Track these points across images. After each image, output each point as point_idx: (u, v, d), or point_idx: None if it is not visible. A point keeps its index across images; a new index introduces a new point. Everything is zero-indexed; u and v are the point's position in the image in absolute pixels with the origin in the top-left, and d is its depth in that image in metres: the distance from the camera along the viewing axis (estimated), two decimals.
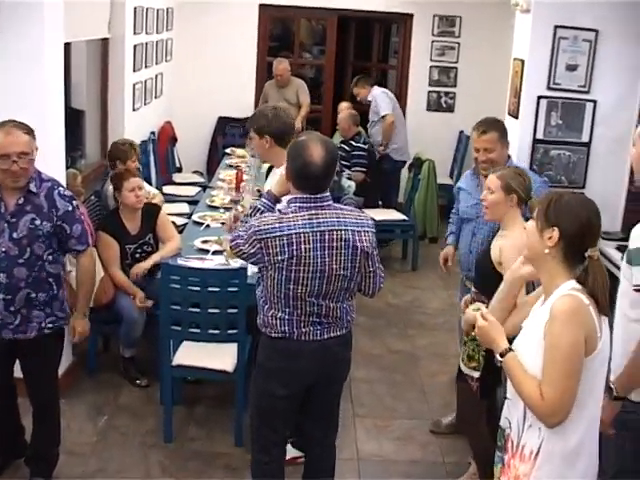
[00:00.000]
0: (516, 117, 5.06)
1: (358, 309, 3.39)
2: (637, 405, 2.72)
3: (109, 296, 4.56)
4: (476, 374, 3.49)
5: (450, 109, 8.81)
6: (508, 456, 2.42)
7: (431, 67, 8.70)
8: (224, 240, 4.40)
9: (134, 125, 6.58)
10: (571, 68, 4.89)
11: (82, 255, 3.53)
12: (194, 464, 3.95)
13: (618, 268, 3.22)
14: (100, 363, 4.83)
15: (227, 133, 8.74)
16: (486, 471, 3.00)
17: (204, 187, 6.99)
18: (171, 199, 6.66)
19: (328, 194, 3.02)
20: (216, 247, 4.56)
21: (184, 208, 6.49)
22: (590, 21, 4.83)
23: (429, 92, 8.77)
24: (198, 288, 3.93)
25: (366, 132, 7.64)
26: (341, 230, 2.95)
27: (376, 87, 7.82)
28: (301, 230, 2.90)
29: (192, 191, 7.16)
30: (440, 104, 8.81)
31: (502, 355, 2.34)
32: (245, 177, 5.93)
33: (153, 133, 7.50)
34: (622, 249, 3.97)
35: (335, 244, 2.94)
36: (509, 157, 4.20)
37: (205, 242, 4.70)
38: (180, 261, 4.31)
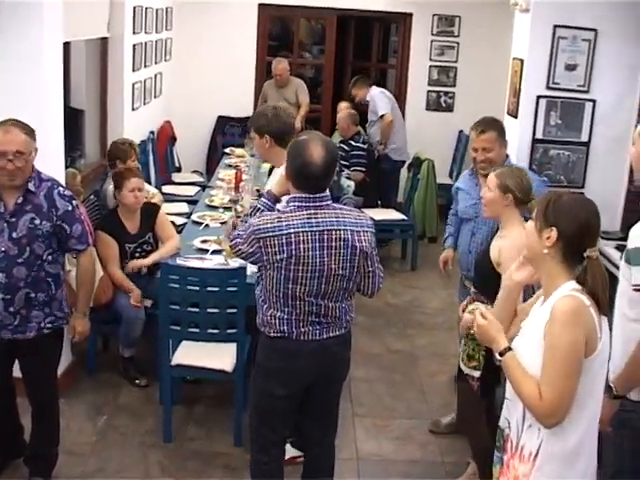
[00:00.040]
0: (515, 117, 5.06)
1: (357, 309, 3.39)
2: (636, 404, 2.72)
3: (108, 296, 4.56)
4: (476, 374, 3.49)
5: (449, 109, 8.81)
6: (507, 456, 2.42)
7: (430, 67, 8.69)
8: (223, 240, 4.40)
9: (133, 125, 6.58)
10: (570, 68, 4.89)
11: (82, 255, 3.53)
12: (193, 464, 3.95)
13: (617, 268, 3.21)
14: (99, 363, 4.83)
15: (226, 133, 8.73)
16: (486, 471, 3.00)
17: (203, 187, 6.98)
18: (170, 199, 6.65)
19: (328, 194, 3.02)
20: (215, 247, 4.56)
21: (183, 208, 6.48)
22: (589, 21, 4.84)
23: (428, 92, 8.77)
24: (197, 288, 3.93)
25: (365, 132, 7.64)
26: (340, 230, 2.95)
27: (374, 87, 7.82)
28: (300, 229, 2.90)
29: (191, 191, 7.16)
30: (439, 104, 8.80)
31: (501, 354, 2.34)
32: (244, 177, 5.93)
33: (152, 133, 7.50)
34: (621, 248, 3.96)
35: (334, 244, 2.94)
36: (507, 156, 4.20)
37: (204, 242, 4.70)
38: (179, 261, 4.31)
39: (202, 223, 5.15)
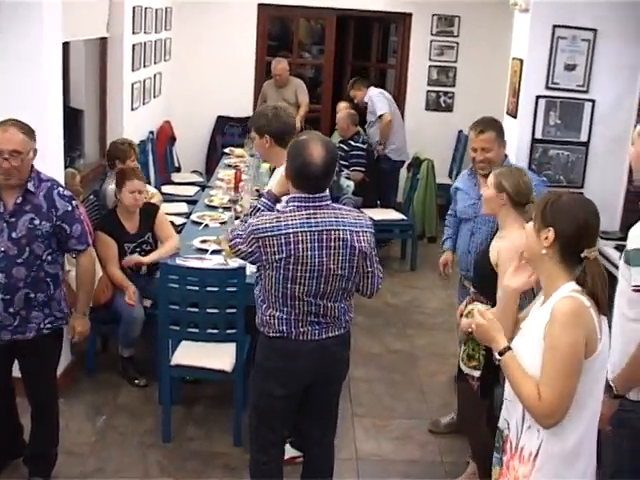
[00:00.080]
0: (515, 117, 5.06)
1: (357, 308, 3.39)
2: (635, 404, 2.73)
3: (108, 296, 4.56)
4: (476, 373, 3.49)
5: (449, 109, 8.81)
6: (507, 457, 2.42)
7: (430, 67, 8.69)
8: (223, 240, 4.40)
9: (133, 125, 6.58)
10: (570, 68, 4.90)
11: (82, 255, 3.53)
12: (193, 464, 3.95)
13: (616, 268, 3.21)
14: (99, 363, 4.83)
15: (226, 133, 8.74)
16: (485, 471, 3.00)
17: (203, 187, 6.98)
18: (170, 199, 6.65)
19: (327, 194, 3.02)
20: (215, 247, 4.56)
21: (183, 208, 6.48)
22: (589, 21, 4.84)
23: (428, 92, 8.77)
24: (197, 288, 3.92)
25: (365, 133, 7.63)
26: (339, 230, 2.95)
27: (372, 88, 7.81)
28: (299, 229, 2.90)
29: (191, 191, 7.15)
30: (439, 104, 8.81)
31: (501, 354, 2.34)
32: (244, 177, 5.94)
33: (152, 133, 7.50)
34: (620, 249, 3.96)
35: (333, 244, 2.93)
36: (506, 156, 4.20)
37: (204, 242, 4.70)
38: (179, 261, 4.31)
39: (201, 223, 5.15)
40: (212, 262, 4.34)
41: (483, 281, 3.45)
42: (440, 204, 7.54)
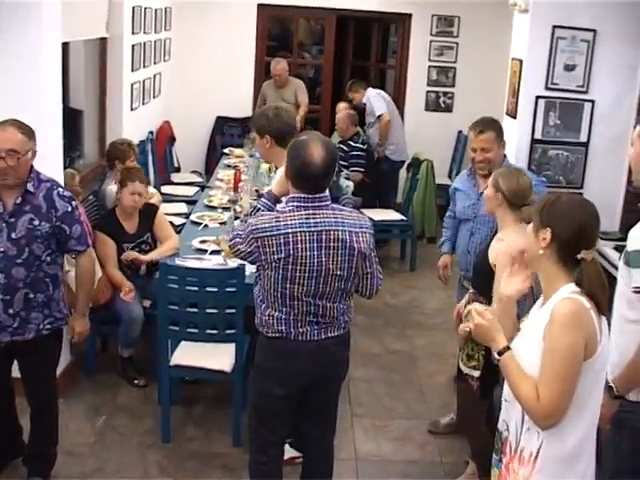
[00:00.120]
0: (514, 117, 5.07)
1: (356, 309, 3.39)
2: (634, 404, 2.73)
3: (107, 296, 4.56)
4: (476, 373, 3.49)
5: (448, 109, 8.81)
6: (506, 459, 2.41)
7: (429, 67, 8.70)
8: (222, 240, 4.40)
9: (132, 125, 6.58)
10: (569, 68, 4.90)
11: (81, 256, 3.52)
12: (192, 464, 3.95)
13: (616, 268, 3.22)
14: (98, 363, 4.83)
15: (225, 133, 8.74)
16: (485, 471, 2.99)
17: (202, 187, 6.99)
18: (169, 199, 6.65)
19: (327, 194, 3.02)
20: (214, 247, 4.56)
21: (182, 208, 6.48)
22: (588, 21, 4.84)
23: (427, 92, 8.77)
24: (196, 288, 3.92)
25: (364, 133, 7.63)
26: (338, 230, 2.95)
27: (370, 89, 7.80)
28: (298, 229, 2.90)
29: (190, 191, 7.15)
30: (438, 104, 8.81)
31: (500, 353, 2.34)
32: (243, 177, 5.94)
33: (151, 133, 7.50)
34: (620, 249, 3.96)
35: (332, 244, 2.93)
36: (505, 157, 4.20)
37: (203, 242, 4.70)
38: (178, 261, 4.31)
39: (201, 223, 5.15)
40: (211, 262, 4.34)
41: (482, 281, 3.44)
42: (440, 204, 7.53)
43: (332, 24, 8.84)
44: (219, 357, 4.04)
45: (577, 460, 2.29)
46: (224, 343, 4.04)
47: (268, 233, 2.90)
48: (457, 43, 8.62)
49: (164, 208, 5.46)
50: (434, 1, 8.39)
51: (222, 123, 8.74)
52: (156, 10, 7.38)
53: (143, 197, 4.74)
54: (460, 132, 8.52)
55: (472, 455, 3.79)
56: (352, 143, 7.18)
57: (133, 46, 6.56)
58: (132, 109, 6.65)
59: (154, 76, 7.56)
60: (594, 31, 4.86)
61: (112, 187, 5.08)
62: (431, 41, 8.61)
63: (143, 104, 7.09)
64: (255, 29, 8.59)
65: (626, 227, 2.89)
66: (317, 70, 9.98)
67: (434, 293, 6.46)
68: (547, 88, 4.94)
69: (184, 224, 5.47)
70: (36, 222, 3.30)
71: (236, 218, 4.76)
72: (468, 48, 8.53)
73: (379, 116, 7.47)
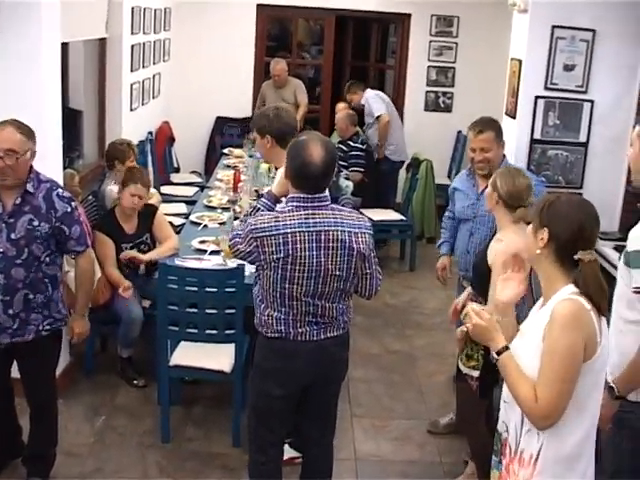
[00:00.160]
0: (514, 117, 5.07)
1: (356, 309, 3.39)
2: (634, 404, 2.73)
3: (107, 296, 4.56)
4: (475, 373, 3.49)
5: (448, 109, 8.82)
6: (506, 461, 2.41)
7: (429, 67, 8.70)
8: (221, 240, 4.40)
9: (132, 125, 6.58)
10: (568, 68, 4.90)
11: (81, 256, 3.52)
12: (191, 464, 3.95)
13: (615, 268, 3.22)
14: (97, 363, 4.83)
15: (225, 133, 8.74)
16: (484, 471, 3.00)
17: (202, 187, 6.99)
18: (169, 199, 6.66)
19: (326, 194, 3.02)
20: (213, 247, 4.56)
21: (182, 208, 6.48)
22: (587, 21, 4.85)
23: (427, 92, 8.78)
24: (195, 288, 3.92)
25: (364, 134, 7.63)
26: (337, 231, 2.95)
27: (368, 90, 7.78)
28: (297, 229, 2.90)
29: (190, 191, 7.15)
30: (438, 104, 8.81)
31: (499, 353, 2.34)
32: (243, 177, 5.94)
33: (151, 133, 7.50)
34: (619, 249, 3.97)
35: (331, 244, 2.93)
36: (504, 157, 4.20)
37: (203, 242, 4.70)
38: (177, 261, 4.31)
39: (200, 224, 5.15)
40: (211, 262, 4.34)
41: (482, 282, 3.44)
42: (439, 204, 7.52)
43: (331, 24, 8.84)
44: (218, 357, 4.04)
45: (577, 461, 2.29)
46: (224, 343, 4.04)
47: (267, 233, 2.90)
48: (456, 43, 8.62)
49: (163, 208, 5.47)
50: (433, 1, 8.39)
51: (221, 123, 8.74)
52: (155, 10, 7.38)
53: (143, 199, 4.73)
54: (459, 132, 8.52)
55: (471, 455, 3.79)
56: (351, 143, 7.18)
57: (132, 46, 6.56)
58: (131, 109, 6.65)
59: (153, 76, 7.57)
60: (593, 31, 4.86)
61: (111, 187, 5.08)
62: (430, 41, 8.62)
63: (142, 104, 7.09)
64: (254, 29, 8.60)
65: (625, 227, 2.89)
66: (316, 70, 9.98)
67: (433, 293, 6.46)
68: (546, 88, 4.94)
69: (183, 224, 5.47)
70: (35, 223, 3.29)
71: (235, 218, 4.76)
72: (467, 48, 8.54)
73: (378, 117, 7.47)
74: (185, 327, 4.00)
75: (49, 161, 3.97)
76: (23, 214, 3.29)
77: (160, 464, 3.93)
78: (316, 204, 2.96)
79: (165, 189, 7.08)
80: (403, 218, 7.12)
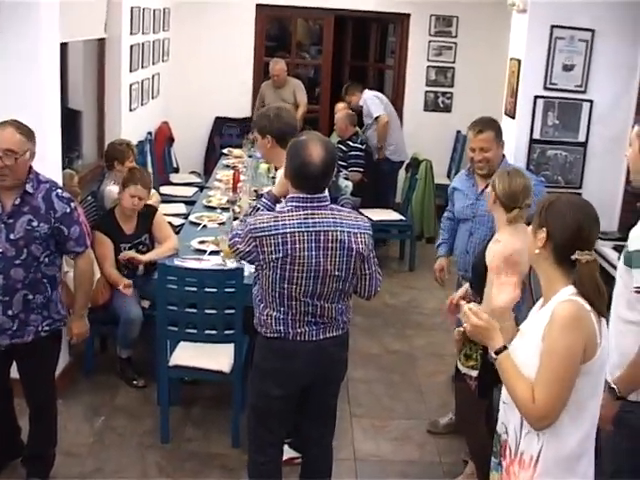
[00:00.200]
0: (513, 117, 5.06)
1: (355, 309, 3.39)
2: (634, 404, 2.73)
3: (106, 297, 4.56)
4: (474, 373, 3.49)
5: (447, 109, 8.82)
6: (507, 463, 2.40)
7: (428, 67, 8.70)
8: (221, 240, 4.40)
9: (131, 125, 6.57)
10: (567, 68, 4.90)
11: (80, 257, 3.52)
12: (191, 464, 3.95)
13: (615, 268, 3.22)
14: (97, 364, 4.82)
15: (224, 133, 8.73)
16: (484, 471, 2.99)
17: (201, 187, 6.99)
18: (168, 199, 6.66)
19: (326, 194, 3.02)
20: (213, 247, 4.56)
21: (181, 208, 6.49)
22: (586, 21, 4.85)
23: (426, 92, 8.78)
24: (195, 289, 3.92)
25: (363, 134, 7.63)
26: (337, 231, 2.95)
27: (366, 91, 7.77)
28: (296, 229, 2.90)
29: (189, 191, 7.15)
30: (437, 104, 8.81)
31: (497, 353, 2.33)
32: (242, 177, 5.94)
33: (150, 133, 7.50)
34: (619, 249, 3.96)
35: (330, 245, 2.93)
36: (504, 157, 4.20)
37: (202, 242, 4.70)
38: (177, 261, 4.31)
39: (200, 224, 5.15)
40: (210, 263, 4.34)
41: (480, 282, 3.44)
42: (439, 204, 7.51)
43: (330, 24, 8.84)
44: (218, 358, 4.04)
45: (578, 462, 2.29)
46: (223, 344, 4.03)
47: (266, 233, 2.90)
48: (456, 43, 8.62)
49: (163, 209, 5.47)
50: (432, 1, 8.39)
51: (221, 123, 8.73)
52: (154, 10, 7.38)
53: (143, 200, 4.73)
54: (459, 132, 8.52)
55: (471, 455, 3.78)
56: (351, 143, 7.18)
57: (131, 47, 6.56)
58: (131, 110, 6.65)
59: (153, 77, 7.56)
60: (592, 31, 4.86)
61: (111, 188, 5.08)
62: (430, 41, 8.62)
63: (142, 105, 7.09)
64: (254, 29, 8.59)
65: (625, 227, 2.89)
66: (316, 70, 9.98)
67: (433, 293, 6.45)
68: (545, 88, 4.94)
69: (183, 224, 5.47)
70: (35, 223, 3.29)
71: (235, 218, 4.76)
72: (467, 48, 8.54)
73: (377, 118, 7.46)
74: (184, 327, 4.00)
75: (48, 161, 3.97)
76: (22, 214, 3.28)
77: (159, 464, 3.93)
78: (315, 204, 2.96)
79: (164, 189, 7.08)
80: (402, 218, 7.12)
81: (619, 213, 5.07)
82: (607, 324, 2.34)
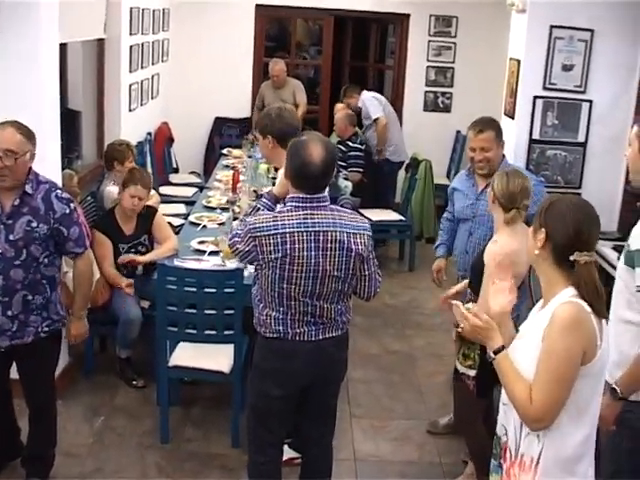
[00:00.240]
0: (512, 117, 5.07)
1: (355, 309, 3.39)
2: (634, 404, 2.73)
3: (105, 297, 4.56)
4: (472, 372, 3.49)
5: (447, 109, 8.82)
6: (507, 465, 2.40)
7: (428, 67, 8.70)
8: (220, 241, 4.40)
9: (130, 126, 6.57)
10: (567, 68, 4.91)
11: (79, 258, 3.52)
12: (190, 465, 3.94)
13: (614, 268, 3.22)
14: (96, 364, 4.82)
15: (224, 134, 8.73)
16: (484, 470, 2.99)
17: (201, 188, 6.99)
18: (168, 200, 6.65)
19: (326, 195, 3.02)
20: (212, 248, 4.56)
21: (181, 209, 6.49)
22: (586, 21, 4.85)
23: (426, 92, 8.78)
24: (194, 289, 3.92)
25: (363, 134, 7.63)
26: (336, 232, 2.95)
27: (365, 92, 7.75)
28: (295, 229, 2.90)
29: (189, 192, 7.15)
30: (437, 104, 8.81)
31: (496, 352, 2.33)
32: (242, 178, 5.94)
33: (150, 134, 7.50)
34: (618, 249, 3.97)
35: (329, 245, 2.93)
36: (504, 157, 4.20)
37: (202, 243, 4.70)
38: (176, 262, 4.31)
39: (199, 224, 5.15)
40: (210, 263, 4.34)
41: (480, 282, 3.44)
42: (438, 204, 7.52)
43: (330, 24, 8.84)
44: (218, 358, 4.04)
45: (578, 463, 2.29)
46: (223, 344, 4.03)
47: (266, 232, 2.90)
48: (455, 43, 8.62)
49: (163, 209, 5.47)
50: (432, 1, 8.39)
51: (220, 124, 8.73)
52: (154, 11, 7.38)
53: (143, 201, 4.73)
54: (458, 132, 8.52)
55: (470, 455, 3.78)
56: (350, 143, 7.18)
57: (131, 47, 6.56)
58: (130, 110, 6.65)
59: (152, 77, 7.56)
60: (592, 31, 4.86)
61: (110, 188, 5.08)
62: (429, 41, 8.62)
63: (141, 105, 7.09)
64: (253, 30, 8.59)
65: (624, 227, 2.89)
66: (315, 71, 9.98)
67: (433, 293, 6.42)
68: (545, 88, 4.94)
69: (183, 225, 5.47)
70: (34, 224, 3.29)
71: (235, 219, 4.76)
72: (466, 48, 8.54)
73: (375, 120, 7.46)
74: (184, 328, 4.00)
75: (48, 162, 3.96)
76: (22, 215, 3.28)
77: (159, 464, 3.93)
78: (315, 204, 2.96)
79: (164, 190, 7.08)
80: (402, 218, 7.12)
81: (618, 213, 5.08)
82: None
